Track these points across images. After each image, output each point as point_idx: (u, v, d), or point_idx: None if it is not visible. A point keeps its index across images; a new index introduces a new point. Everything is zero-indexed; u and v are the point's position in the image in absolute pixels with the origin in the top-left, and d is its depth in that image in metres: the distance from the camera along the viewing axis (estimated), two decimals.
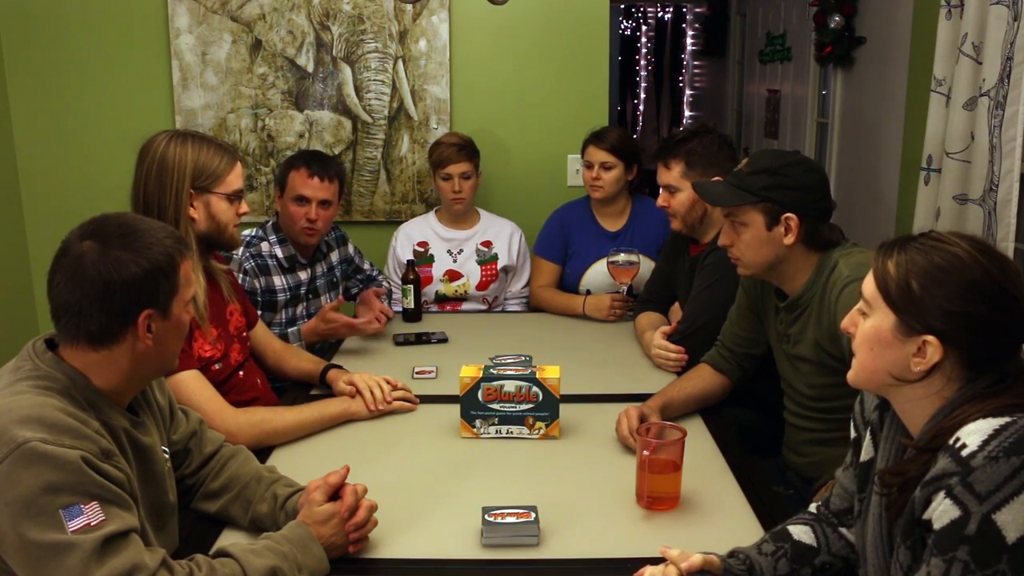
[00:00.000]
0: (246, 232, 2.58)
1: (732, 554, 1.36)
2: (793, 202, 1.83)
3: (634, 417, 1.86)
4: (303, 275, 2.68)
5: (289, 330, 2.56)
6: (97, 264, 1.26)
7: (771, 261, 1.89)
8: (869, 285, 1.25)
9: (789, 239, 1.84)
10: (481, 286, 3.03)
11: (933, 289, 1.17)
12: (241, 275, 2.49)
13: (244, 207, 1.99)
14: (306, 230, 2.60)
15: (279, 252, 2.63)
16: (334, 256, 2.83)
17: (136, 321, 1.30)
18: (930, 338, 1.17)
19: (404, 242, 3.03)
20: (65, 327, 1.30)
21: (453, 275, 3.02)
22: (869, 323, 1.24)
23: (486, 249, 3.05)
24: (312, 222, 2.59)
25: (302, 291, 2.68)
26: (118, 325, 1.29)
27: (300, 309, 2.69)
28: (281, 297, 2.62)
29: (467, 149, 2.94)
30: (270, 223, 2.69)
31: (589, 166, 2.89)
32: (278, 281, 2.62)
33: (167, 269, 1.32)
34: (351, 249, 2.91)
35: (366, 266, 2.95)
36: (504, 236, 3.08)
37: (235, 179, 1.95)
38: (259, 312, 2.44)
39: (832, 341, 1.79)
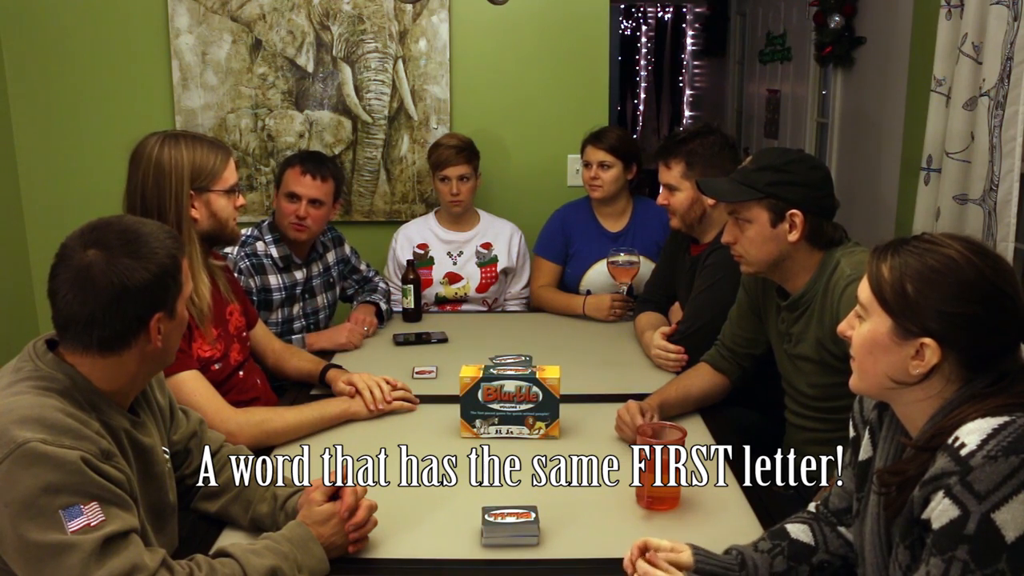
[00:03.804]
0: (242, 232, 2.58)
1: (727, 551, 1.36)
2: (797, 198, 1.83)
3: (634, 410, 1.87)
4: (299, 275, 2.68)
5: (293, 337, 2.55)
6: (107, 274, 1.26)
7: (775, 258, 1.89)
8: (864, 290, 1.25)
9: (793, 236, 1.84)
10: (481, 288, 3.03)
11: (928, 291, 1.17)
12: (236, 274, 2.49)
13: (241, 199, 2.01)
14: (294, 226, 2.58)
15: (274, 252, 2.62)
16: (330, 256, 2.82)
17: (149, 325, 1.31)
18: (927, 340, 1.17)
19: (404, 244, 3.03)
20: (76, 337, 1.29)
21: (453, 278, 3.02)
22: (866, 327, 1.24)
23: (486, 251, 3.05)
24: (301, 219, 2.58)
25: (298, 291, 2.68)
26: (132, 331, 1.30)
27: (296, 309, 2.69)
28: (276, 296, 2.62)
29: (466, 151, 2.94)
30: (266, 223, 2.69)
31: (588, 165, 2.89)
32: (273, 280, 2.61)
33: (173, 270, 1.33)
34: (347, 250, 2.90)
35: (362, 267, 2.94)
36: (504, 237, 3.07)
37: (231, 174, 1.97)
38: None
39: (834, 340, 1.78)
